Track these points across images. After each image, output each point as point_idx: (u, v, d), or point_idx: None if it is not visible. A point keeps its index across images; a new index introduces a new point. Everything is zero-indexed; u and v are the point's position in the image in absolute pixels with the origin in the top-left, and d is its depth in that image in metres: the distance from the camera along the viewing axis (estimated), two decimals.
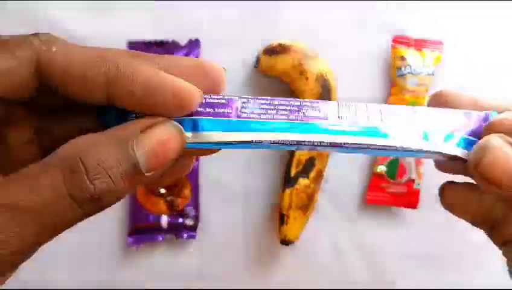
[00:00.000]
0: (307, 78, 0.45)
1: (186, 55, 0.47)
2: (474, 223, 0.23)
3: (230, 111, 0.20)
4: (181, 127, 0.18)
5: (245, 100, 0.21)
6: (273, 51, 0.46)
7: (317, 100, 0.22)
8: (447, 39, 0.49)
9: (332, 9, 0.49)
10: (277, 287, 0.50)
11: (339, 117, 0.21)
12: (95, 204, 0.16)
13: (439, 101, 0.23)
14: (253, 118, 0.20)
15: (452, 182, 0.22)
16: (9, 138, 0.19)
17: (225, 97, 0.21)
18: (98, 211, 0.17)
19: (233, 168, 0.49)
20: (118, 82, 0.17)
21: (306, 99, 0.22)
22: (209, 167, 0.49)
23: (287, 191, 0.46)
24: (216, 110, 0.20)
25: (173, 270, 0.49)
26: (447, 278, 0.50)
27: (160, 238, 0.48)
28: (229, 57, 0.48)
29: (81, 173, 0.16)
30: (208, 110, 0.20)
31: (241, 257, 0.50)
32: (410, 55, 0.48)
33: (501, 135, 0.19)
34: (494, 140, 0.18)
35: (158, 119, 0.18)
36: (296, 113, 0.21)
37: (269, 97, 0.21)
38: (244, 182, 0.49)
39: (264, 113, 0.21)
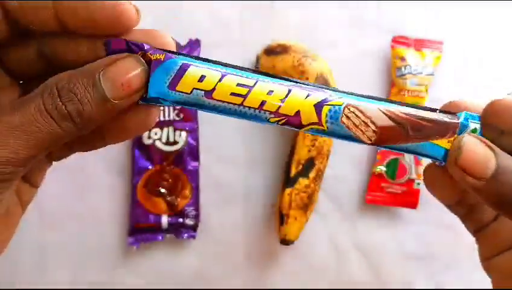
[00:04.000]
0: (307, 78, 0.45)
1: None
2: (451, 207, 0.25)
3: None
4: (142, 60, 0.21)
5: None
6: (273, 51, 0.46)
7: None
8: (447, 39, 0.49)
9: (332, 9, 0.49)
10: (277, 287, 0.50)
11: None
12: (69, 122, 0.20)
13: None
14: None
15: (434, 165, 0.24)
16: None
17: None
18: (77, 132, 0.20)
19: (234, 168, 0.49)
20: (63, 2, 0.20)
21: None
22: (209, 167, 0.49)
23: (287, 191, 0.46)
24: None
25: (173, 270, 0.49)
26: (446, 278, 0.50)
27: (160, 238, 0.48)
28: (229, 57, 0.48)
29: (55, 96, 0.19)
30: None
31: (241, 257, 0.50)
32: (410, 55, 0.48)
33: (472, 134, 0.22)
34: (467, 137, 0.21)
35: (124, 54, 0.21)
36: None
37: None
38: (244, 182, 0.49)
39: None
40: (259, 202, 0.49)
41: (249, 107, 0.21)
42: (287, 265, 0.50)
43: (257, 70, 0.22)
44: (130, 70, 0.20)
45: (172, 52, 0.22)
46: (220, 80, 0.22)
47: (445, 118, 0.22)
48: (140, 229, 0.48)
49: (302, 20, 0.49)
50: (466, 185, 0.21)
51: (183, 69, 0.21)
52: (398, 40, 0.48)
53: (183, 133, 0.48)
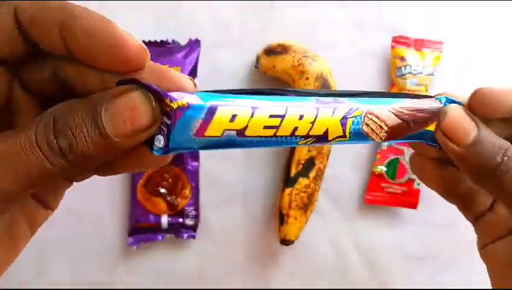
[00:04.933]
0: (307, 78, 0.45)
1: (187, 55, 0.47)
2: (444, 195, 0.26)
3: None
4: (151, 96, 0.18)
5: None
6: (273, 51, 0.46)
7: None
8: (447, 39, 0.49)
9: (332, 9, 0.49)
10: (277, 287, 0.50)
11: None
12: (60, 159, 0.18)
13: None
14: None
15: (417, 154, 0.26)
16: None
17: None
18: (71, 169, 0.18)
19: (234, 168, 0.49)
20: (66, 26, 0.18)
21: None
22: (209, 167, 0.49)
23: (287, 191, 0.46)
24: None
25: (173, 270, 0.49)
26: (446, 278, 0.50)
27: (160, 238, 0.48)
28: (229, 57, 0.48)
29: (49, 128, 0.17)
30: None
31: (241, 257, 0.50)
32: (410, 55, 0.48)
33: (458, 105, 0.23)
34: (453, 105, 0.23)
35: (131, 86, 0.18)
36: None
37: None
38: (244, 182, 0.49)
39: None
40: (259, 202, 0.49)
41: (281, 136, 0.20)
42: (287, 265, 0.50)
43: (281, 89, 0.21)
44: (135, 106, 0.18)
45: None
46: (252, 116, 0.19)
47: (432, 104, 0.24)
48: (140, 229, 0.48)
49: (302, 20, 0.49)
50: (448, 150, 0.22)
51: (211, 112, 0.19)
52: (398, 40, 0.48)
53: None
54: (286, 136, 0.20)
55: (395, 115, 0.23)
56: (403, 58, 0.48)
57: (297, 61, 0.45)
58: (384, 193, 0.49)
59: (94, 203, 0.48)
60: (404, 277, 0.50)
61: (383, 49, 0.49)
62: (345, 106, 0.22)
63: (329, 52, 0.48)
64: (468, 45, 0.50)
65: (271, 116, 0.20)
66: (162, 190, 0.48)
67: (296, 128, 0.20)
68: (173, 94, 0.18)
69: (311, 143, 0.21)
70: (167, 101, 0.18)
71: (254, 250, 0.50)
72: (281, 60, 0.46)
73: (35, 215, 0.22)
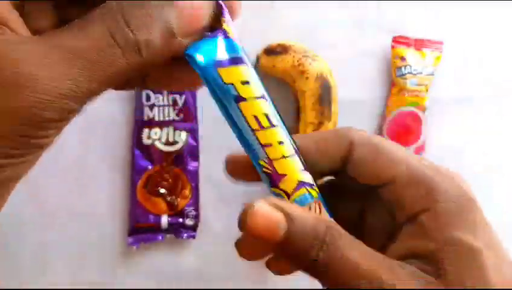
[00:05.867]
0: (307, 78, 0.45)
1: None
2: None
3: None
4: (213, 3, 0.20)
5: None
6: (273, 51, 0.46)
7: None
8: (447, 39, 0.49)
9: (332, 9, 0.49)
10: (277, 287, 0.50)
11: None
12: (136, 54, 0.18)
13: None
14: None
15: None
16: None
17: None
18: (140, 67, 0.18)
19: None
20: None
21: None
22: (209, 167, 0.49)
23: None
24: None
25: (173, 270, 0.49)
26: None
27: (160, 238, 0.48)
28: None
29: (121, 22, 0.17)
30: None
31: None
32: (410, 55, 0.48)
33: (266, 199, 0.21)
34: (258, 203, 0.21)
35: None
36: None
37: None
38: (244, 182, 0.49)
39: None
40: None
41: (257, 139, 0.20)
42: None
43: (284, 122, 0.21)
44: (201, 7, 0.19)
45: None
46: (256, 98, 0.20)
47: None
48: (140, 229, 0.48)
49: (302, 20, 0.49)
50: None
51: (239, 60, 0.21)
52: (398, 40, 0.48)
53: (183, 133, 0.48)
54: (259, 143, 0.21)
55: None
56: (403, 58, 0.48)
57: (297, 61, 0.45)
58: None
59: (94, 203, 0.48)
60: None
61: (383, 49, 0.49)
62: (311, 177, 0.22)
63: (329, 52, 0.48)
64: (468, 45, 0.50)
65: (266, 114, 0.20)
66: (162, 190, 0.48)
67: (269, 145, 0.21)
68: (228, 19, 0.20)
69: (265, 173, 0.21)
70: (222, 18, 0.20)
71: None
72: (281, 60, 0.46)
73: None
